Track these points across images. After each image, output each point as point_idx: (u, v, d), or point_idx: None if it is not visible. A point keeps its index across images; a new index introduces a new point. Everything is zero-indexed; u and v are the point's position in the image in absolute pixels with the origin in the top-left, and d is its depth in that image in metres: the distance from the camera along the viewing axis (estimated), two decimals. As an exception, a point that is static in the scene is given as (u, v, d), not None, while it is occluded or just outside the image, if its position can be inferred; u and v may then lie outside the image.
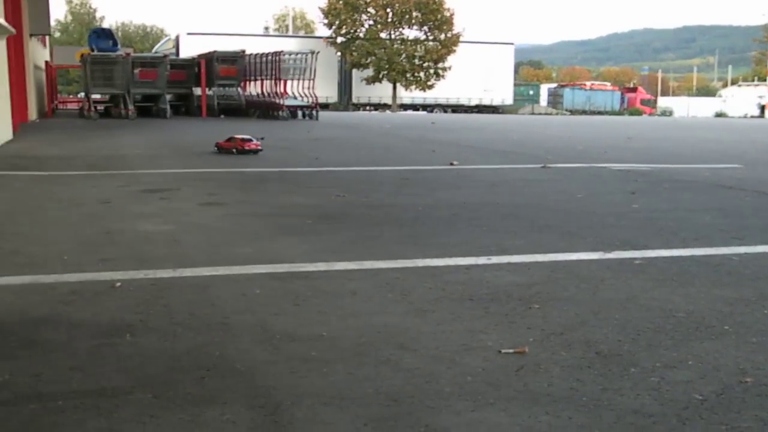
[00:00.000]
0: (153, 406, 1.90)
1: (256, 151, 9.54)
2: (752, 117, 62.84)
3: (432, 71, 59.35)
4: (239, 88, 24.38)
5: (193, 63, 24.29)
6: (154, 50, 56.97)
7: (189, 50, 41.22)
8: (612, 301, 2.94)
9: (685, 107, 73.68)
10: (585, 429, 1.81)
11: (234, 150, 9.56)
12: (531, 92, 72.56)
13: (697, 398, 2.00)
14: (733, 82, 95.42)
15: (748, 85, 79.29)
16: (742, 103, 71.74)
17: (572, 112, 65.09)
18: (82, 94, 27.86)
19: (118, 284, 3.08)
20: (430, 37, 59.89)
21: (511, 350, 2.34)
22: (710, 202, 5.95)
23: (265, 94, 23.27)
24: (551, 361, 2.26)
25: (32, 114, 19.05)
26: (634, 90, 78.54)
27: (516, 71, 71.55)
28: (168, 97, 21.97)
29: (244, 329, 2.53)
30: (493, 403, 1.95)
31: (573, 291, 3.08)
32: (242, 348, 2.34)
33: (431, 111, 56.60)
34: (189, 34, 53.76)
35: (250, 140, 9.70)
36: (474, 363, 2.24)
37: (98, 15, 77.70)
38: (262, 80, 23.48)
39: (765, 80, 67.10)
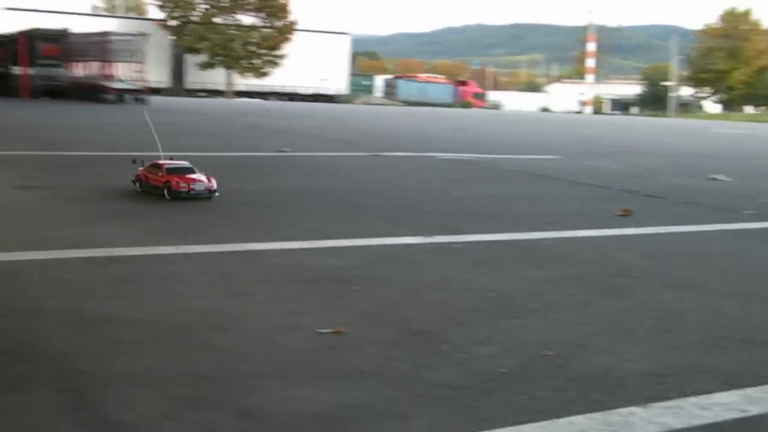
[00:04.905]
0: (-50, 393, 1.82)
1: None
2: (574, 112, 66.07)
3: (267, 59, 58.80)
4: (64, 69, 23.36)
5: (10, 40, 23.06)
6: (-31, 26, 53.54)
7: (7, 26, 38.97)
8: (428, 282, 3.05)
9: (513, 101, 76.49)
10: (394, 402, 1.88)
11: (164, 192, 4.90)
12: (366, 83, 73.23)
13: (500, 371, 2.11)
14: (558, 80, 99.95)
15: (570, 83, 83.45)
16: (564, 99, 75.32)
17: (406, 103, 66.24)
18: None
19: None
20: (266, 24, 59.35)
21: (328, 330, 2.38)
22: (528, 190, 6.23)
23: (91, 76, 22.43)
24: (366, 340, 2.32)
25: None
26: (465, 83, 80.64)
27: (352, 61, 71.94)
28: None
29: (55, 314, 2.45)
30: (307, 381, 1.98)
31: (391, 274, 3.17)
32: (52, 332, 2.27)
33: (267, 99, 56.13)
34: (8, 9, 50.84)
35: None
36: (290, 343, 2.26)
37: None
38: (88, 62, 22.63)
39: (584, 78, 70.59)
